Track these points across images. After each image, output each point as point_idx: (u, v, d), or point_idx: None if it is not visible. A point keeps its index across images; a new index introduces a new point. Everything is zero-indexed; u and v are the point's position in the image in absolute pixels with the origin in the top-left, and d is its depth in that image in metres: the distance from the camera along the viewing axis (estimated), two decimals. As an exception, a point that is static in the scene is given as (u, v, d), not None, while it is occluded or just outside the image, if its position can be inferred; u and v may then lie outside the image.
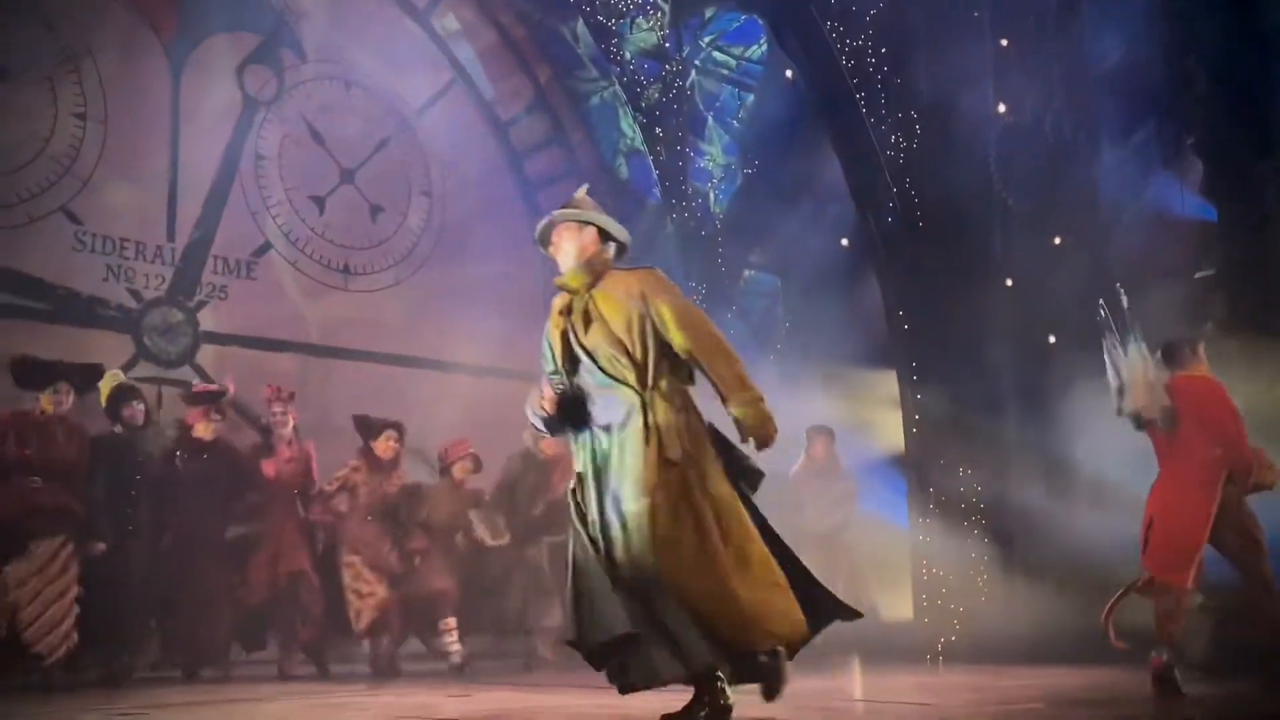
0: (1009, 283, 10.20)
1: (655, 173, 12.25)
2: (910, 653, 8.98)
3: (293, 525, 8.39)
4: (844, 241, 11.29)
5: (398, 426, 8.75)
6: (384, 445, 8.63)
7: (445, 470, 9.01)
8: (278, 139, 10.91)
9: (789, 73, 11.50)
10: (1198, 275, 9.09)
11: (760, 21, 11.82)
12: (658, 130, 12.10)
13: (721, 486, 4.47)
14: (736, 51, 12.52)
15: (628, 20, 11.96)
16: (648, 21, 12.03)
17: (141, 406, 8.04)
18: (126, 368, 9.12)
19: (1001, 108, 10.44)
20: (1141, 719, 4.87)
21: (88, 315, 9.72)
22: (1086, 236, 9.79)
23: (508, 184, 12.24)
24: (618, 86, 12.22)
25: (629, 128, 12.36)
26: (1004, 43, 10.51)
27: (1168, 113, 9.70)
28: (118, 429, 7.92)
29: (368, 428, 8.69)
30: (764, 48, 12.23)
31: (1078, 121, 10.08)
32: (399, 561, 8.51)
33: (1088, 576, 8.96)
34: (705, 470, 4.47)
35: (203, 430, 8.18)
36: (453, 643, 8.48)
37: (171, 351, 10.06)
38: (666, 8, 11.84)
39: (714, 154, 12.38)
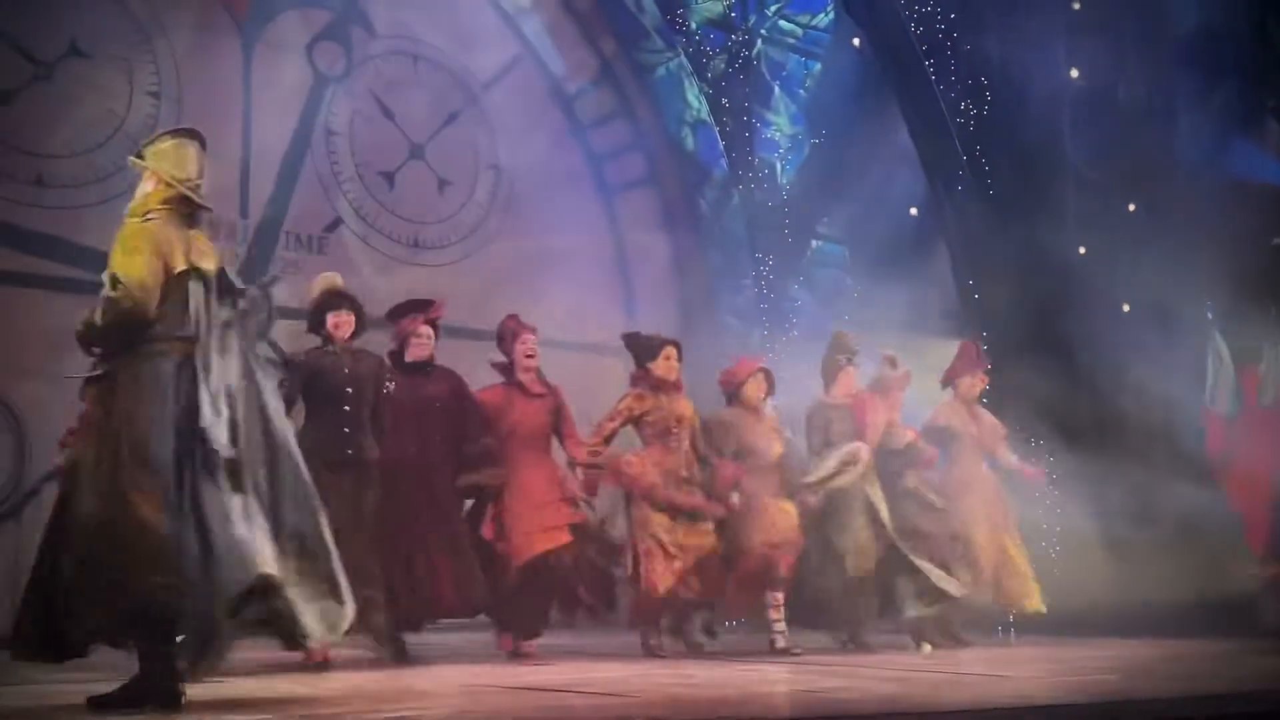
0: (1082, 251, 10.06)
1: (721, 144, 12.21)
2: (982, 625, 8.93)
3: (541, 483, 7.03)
4: (913, 210, 11.20)
5: (676, 344, 7.43)
6: (664, 365, 7.27)
7: (734, 395, 7.59)
8: (348, 115, 10.98)
9: (856, 40, 11.40)
10: (1276, 241, 8.94)
11: (827, -12, 11.75)
12: (724, 101, 12.05)
13: None
14: (803, 20, 12.43)
15: (693, -10, 11.93)
16: (713, -10, 11.99)
17: (351, 318, 6.69)
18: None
19: (1074, 72, 10.28)
20: (1218, 690, 4.82)
21: (165, 291, 9.86)
22: (1162, 203, 9.64)
23: (575, 157, 12.24)
24: (683, 57, 12.17)
25: (695, 99, 12.30)
26: (1076, 5, 10.34)
27: (1246, 75, 9.51)
28: (328, 348, 6.68)
29: (642, 347, 7.38)
30: (830, 15, 12.12)
31: (1153, 85, 9.91)
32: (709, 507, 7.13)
33: (1162, 548, 8.88)
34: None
35: (412, 351, 6.96)
36: (778, 621, 7.14)
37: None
38: (732, -24, 11.79)
39: (781, 124, 12.31)
